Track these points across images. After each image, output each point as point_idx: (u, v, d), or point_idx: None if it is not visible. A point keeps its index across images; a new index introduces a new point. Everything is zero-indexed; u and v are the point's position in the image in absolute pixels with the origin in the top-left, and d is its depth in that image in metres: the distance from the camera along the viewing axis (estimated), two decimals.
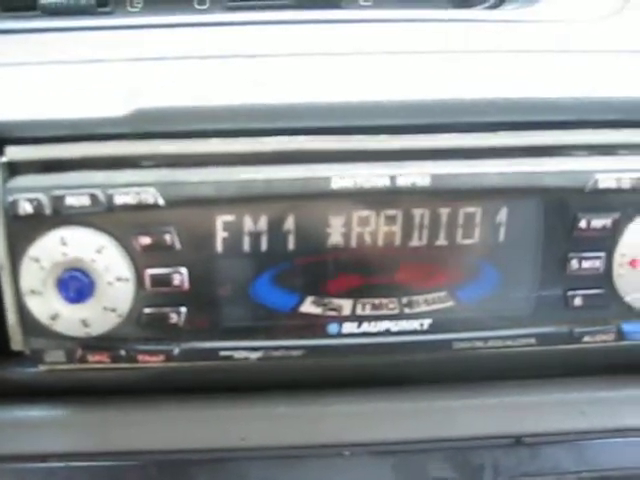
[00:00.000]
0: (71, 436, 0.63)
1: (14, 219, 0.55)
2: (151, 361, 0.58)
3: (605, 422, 0.65)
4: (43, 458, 0.62)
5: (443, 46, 0.62)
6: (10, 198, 0.54)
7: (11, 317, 0.58)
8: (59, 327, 0.57)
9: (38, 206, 0.54)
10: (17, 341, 0.59)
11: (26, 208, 0.54)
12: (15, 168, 0.55)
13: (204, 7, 0.78)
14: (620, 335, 0.61)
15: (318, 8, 0.71)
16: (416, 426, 0.64)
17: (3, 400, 0.63)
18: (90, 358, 0.58)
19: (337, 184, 0.55)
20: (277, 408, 0.63)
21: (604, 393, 0.66)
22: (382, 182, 0.55)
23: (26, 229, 0.55)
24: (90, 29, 0.65)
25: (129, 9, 0.78)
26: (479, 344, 0.60)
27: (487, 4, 0.75)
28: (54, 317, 0.56)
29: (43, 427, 0.63)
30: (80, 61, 0.59)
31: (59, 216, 0.55)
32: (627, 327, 0.60)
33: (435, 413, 0.64)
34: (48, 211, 0.54)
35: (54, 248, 0.55)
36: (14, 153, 0.55)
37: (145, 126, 0.56)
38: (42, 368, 0.60)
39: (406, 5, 0.74)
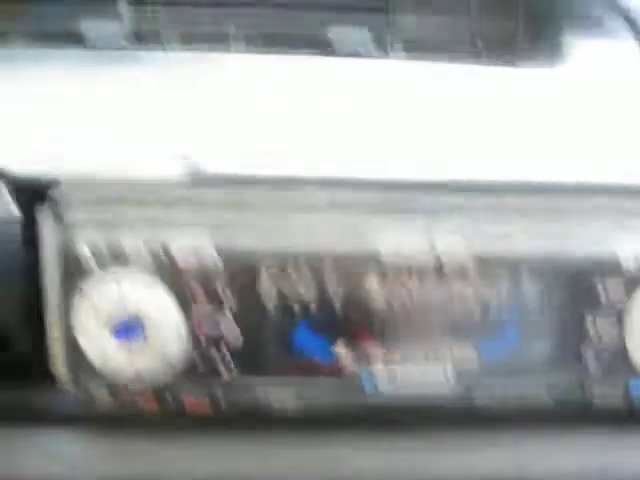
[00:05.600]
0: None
1: (69, 257, 0.58)
2: (197, 408, 0.61)
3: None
4: None
5: None
6: (66, 236, 0.58)
7: (60, 355, 0.60)
8: (109, 370, 0.60)
9: (94, 246, 0.58)
10: (66, 381, 0.61)
11: (82, 248, 0.58)
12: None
13: None
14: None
15: None
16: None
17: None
18: (139, 403, 0.61)
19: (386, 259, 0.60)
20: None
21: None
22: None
23: (81, 268, 0.58)
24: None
25: None
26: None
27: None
28: (105, 359, 0.59)
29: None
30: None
31: (115, 257, 0.58)
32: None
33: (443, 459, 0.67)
34: (104, 251, 0.58)
35: (108, 289, 0.58)
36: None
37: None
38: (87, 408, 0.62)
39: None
